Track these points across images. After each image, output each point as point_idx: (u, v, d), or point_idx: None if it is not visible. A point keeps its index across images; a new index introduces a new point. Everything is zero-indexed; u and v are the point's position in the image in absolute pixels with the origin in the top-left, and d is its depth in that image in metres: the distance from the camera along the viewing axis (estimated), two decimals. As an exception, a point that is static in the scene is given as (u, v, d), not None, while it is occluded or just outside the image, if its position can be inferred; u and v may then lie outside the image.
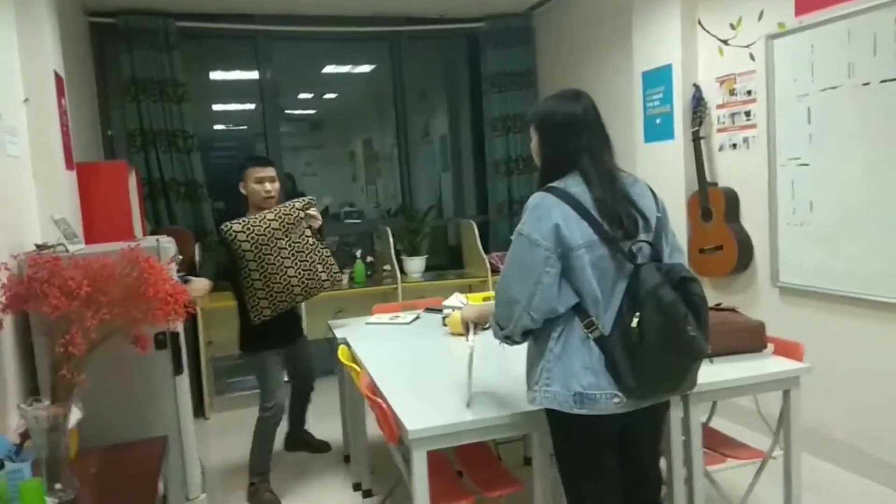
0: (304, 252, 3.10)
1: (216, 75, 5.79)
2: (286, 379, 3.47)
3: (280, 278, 3.02)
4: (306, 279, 3.09)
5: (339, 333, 3.13)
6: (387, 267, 5.03)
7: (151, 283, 1.90)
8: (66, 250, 2.26)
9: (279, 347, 3.25)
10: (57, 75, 2.91)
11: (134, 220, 3.49)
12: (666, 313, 1.62)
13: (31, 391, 2.24)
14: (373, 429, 2.59)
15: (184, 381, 2.44)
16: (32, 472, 1.75)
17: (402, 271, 5.02)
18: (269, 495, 3.14)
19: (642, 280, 1.66)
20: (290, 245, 3.06)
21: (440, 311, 3.34)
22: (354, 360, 2.73)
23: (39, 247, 2.32)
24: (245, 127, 6.21)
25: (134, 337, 2.01)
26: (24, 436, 1.83)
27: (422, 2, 4.97)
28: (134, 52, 4.48)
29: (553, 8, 5.17)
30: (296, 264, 3.06)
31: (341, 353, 2.78)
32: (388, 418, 2.03)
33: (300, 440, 3.75)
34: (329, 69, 6.38)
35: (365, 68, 6.47)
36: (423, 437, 1.88)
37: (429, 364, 2.65)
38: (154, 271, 1.92)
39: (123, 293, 1.90)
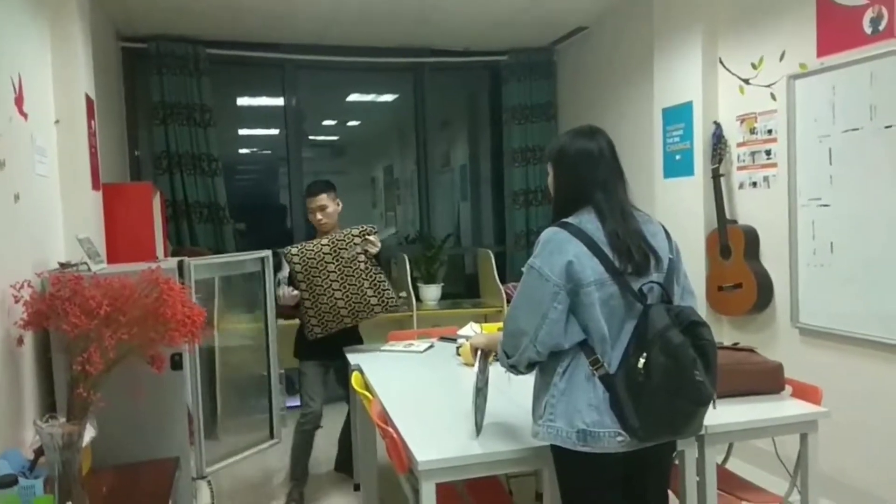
0: (353, 276, 3.22)
1: (243, 101, 5.92)
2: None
3: (327, 300, 3.21)
4: (354, 303, 3.22)
5: (352, 359, 3.13)
6: (403, 294, 5.04)
7: (170, 304, 1.93)
8: (89, 269, 2.30)
9: (323, 360, 3.41)
10: (88, 98, 2.99)
11: (156, 240, 3.55)
12: (674, 356, 1.61)
13: (48, 407, 2.27)
14: (383, 457, 2.58)
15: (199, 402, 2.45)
16: (45, 488, 1.76)
17: (418, 298, 5.03)
18: None
19: (651, 321, 1.65)
20: (339, 269, 3.21)
21: (454, 340, 3.34)
22: (367, 387, 2.73)
23: (63, 265, 2.37)
24: (269, 151, 6.32)
25: (150, 357, 2.04)
26: (39, 452, 1.84)
27: (447, 35, 5.05)
28: (164, 76, 4.60)
29: (575, 43, 5.23)
30: (344, 287, 3.21)
31: (354, 379, 2.78)
32: (399, 448, 2.02)
33: (349, 463, 3.65)
34: (353, 97, 6.49)
35: (388, 97, 6.58)
36: (433, 468, 1.86)
37: (441, 394, 2.64)
38: (173, 293, 1.95)
39: (142, 313, 1.93)
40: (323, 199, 3.38)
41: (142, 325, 1.92)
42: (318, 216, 3.38)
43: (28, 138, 2.36)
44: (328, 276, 3.20)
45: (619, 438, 1.69)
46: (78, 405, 1.85)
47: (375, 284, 3.24)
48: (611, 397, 1.68)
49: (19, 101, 2.27)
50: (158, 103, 4.61)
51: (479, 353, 2.14)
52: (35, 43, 2.59)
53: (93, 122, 3.07)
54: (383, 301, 3.26)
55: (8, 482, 1.70)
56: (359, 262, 3.23)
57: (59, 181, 2.77)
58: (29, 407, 2.17)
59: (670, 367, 1.60)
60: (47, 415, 1.84)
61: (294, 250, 3.24)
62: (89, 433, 1.96)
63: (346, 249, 3.23)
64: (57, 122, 2.77)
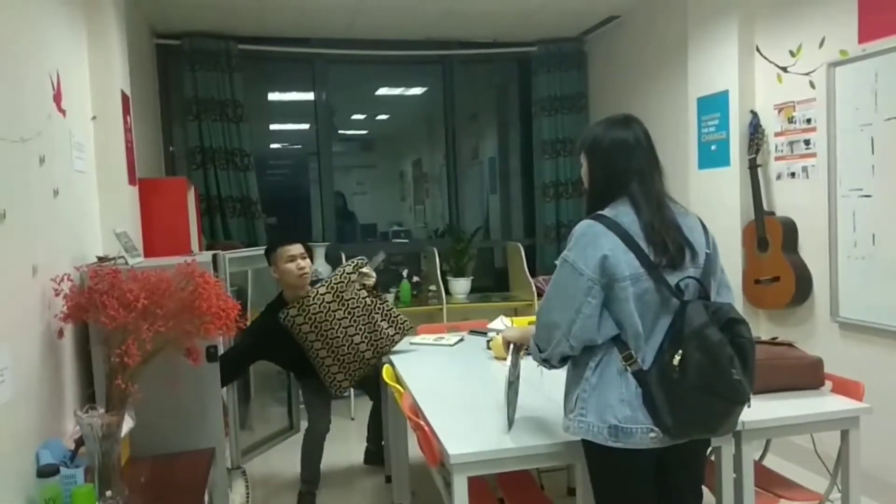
0: (364, 315, 3.14)
1: (274, 96, 5.97)
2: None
3: (348, 348, 3.10)
4: (374, 339, 3.14)
5: (383, 353, 3.15)
6: (432, 287, 5.05)
7: (205, 297, 1.96)
8: (126, 263, 2.34)
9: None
10: (123, 94, 3.04)
11: (191, 234, 3.60)
12: (711, 354, 1.57)
13: (88, 398, 2.32)
14: (415, 450, 2.58)
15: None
16: (85, 478, 1.80)
17: (448, 292, 5.02)
18: None
19: (688, 318, 1.61)
20: (348, 313, 3.10)
21: (485, 333, 3.33)
22: (398, 379, 2.73)
23: (101, 259, 2.42)
24: (299, 146, 6.37)
25: (186, 350, 2.07)
26: (79, 442, 1.89)
27: (475, 26, 5.02)
28: (197, 72, 4.66)
29: (606, 32, 5.16)
30: (360, 329, 3.12)
31: (385, 372, 2.79)
32: (430, 441, 2.02)
33: (378, 455, 3.68)
34: (382, 91, 6.50)
35: (417, 90, 6.58)
36: (465, 462, 1.86)
37: (472, 387, 2.63)
38: (209, 286, 1.98)
39: (178, 306, 1.96)
40: (300, 247, 3.24)
41: (178, 318, 1.95)
42: (301, 263, 3.19)
43: (66, 135, 2.41)
44: (339, 322, 3.08)
45: (652, 435, 1.66)
46: (116, 396, 1.89)
47: (386, 314, 3.21)
48: (643, 393, 1.66)
49: (58, 98, 2.32)
50: (192, 99, 4.67)
51: (511, 346, 2.12)
52: (72, 41, 2.63)
53: (129, 118, 3.12)
54: (399, 328, 3.22)
55: (50, 471, 1.74)
56: (362, 297, 3.16)
57: (97, 176, 2.82)
58: (69, 398, 2.23)
59: (707, 365, 1.57)
60: (87, 406, 1.88)
61: (293, 311, 3.05)
62: (128, 424, 2.00)
63: (347, 290, 3.13)
64: (94, 118, 2.82)
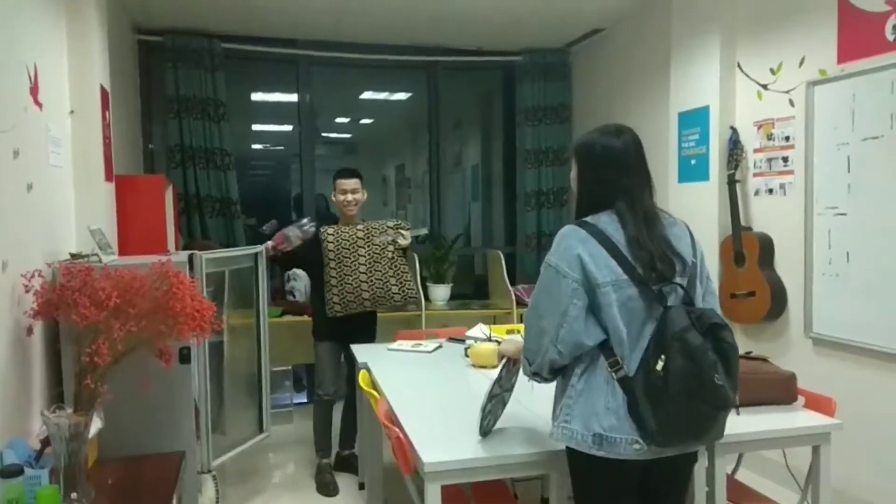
0: (380, 264, 3.40)
1: (257, 96, 5.93)
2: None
3: (352, 281, 3.36)
4: (376, 288, 3.38)
5: (360, 357, 3.12)
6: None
7: (179, 297, 1.92)
8: (100, 260, 2.30)
9: (338, 342, 3.52)
10: (103, 89, 3.00)
11: (168, 233, 3.55)
12: (692, 358, 1.57)
13: (56, 398, 2.27)
14: (389, 457, 2.56)
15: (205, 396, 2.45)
16: (50, 479, 1.76)
17: (427, 298, 5.01)
18: (328, 477, 3.49)
19: (670, 322, 1.62)
20: (368, 255, 3.39)
21: (463, 341, 3.32)
22: (374, 385, 2.71)
23: (74, 256, 2.37)
24: (282, 147, 6.33)
25: (159, 350, 2.03)
26: (45, 442, 1.84)
27: (461, 34, 5.03)
28: (179, 70, 4.60)
29: (591, 45, 5.20)
30: (370, 272, 3.38)
31: (362, 378, 2.77)
32: (405, 448, 2.00)
33: (348, 462, 3.65)
34: (366, 95, 6.49)
35: (401, 96, 6.57)
36: (439, 470, 1.85)
37: (448, 395, 2.62)
38: (183, 286, 1.94)
39: (151, 306, 1.93)
40: (356, 183, 3.54)
41: (151, 318, 1.92)
42: (350, 197, 3.50)
43: (43, 128, 2.36)
44: (357, 258, 3.37)
45: (636, 446, 1.65)
46: (85, 396, 1.84)
47: (399, 275, 3.42)
48: (629, 400, 1.65)
49: (34, 90, 2.27)
50: (173, 97, 4.61)
51: (504, 360, 2.12)
52: (51, 33, 2.59)
53: (107, 113, 3.07)
54: (404, 291, 3.43)
55: (14, 472, 1.69)
56: (388, 251, 3.41)
57: (73, 172, 2.77)
58: (36, 397, 2.18)
59: (689, 369, 1.57)
60: (55, 405, 1.84)
61: (330, 230, 3.42)
62: (96, 424, 1.95)
63: (379, 237, 3.41)
64: (72, 112, 2.78)
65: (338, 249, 3.37)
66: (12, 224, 2.00)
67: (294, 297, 4.74)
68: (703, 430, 1.69)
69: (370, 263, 3.38)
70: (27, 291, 1.96)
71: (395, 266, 3.42)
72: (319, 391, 3.56)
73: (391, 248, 3.42)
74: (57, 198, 2.56)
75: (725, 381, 1.59)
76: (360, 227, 3.46)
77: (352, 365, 3.41)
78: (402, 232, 3.45)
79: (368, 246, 3.40)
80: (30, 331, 2.04)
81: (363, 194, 3.59)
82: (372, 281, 3.37)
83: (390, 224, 3.49)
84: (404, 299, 3.45)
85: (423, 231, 3.72)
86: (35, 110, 2.28)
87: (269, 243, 3.36)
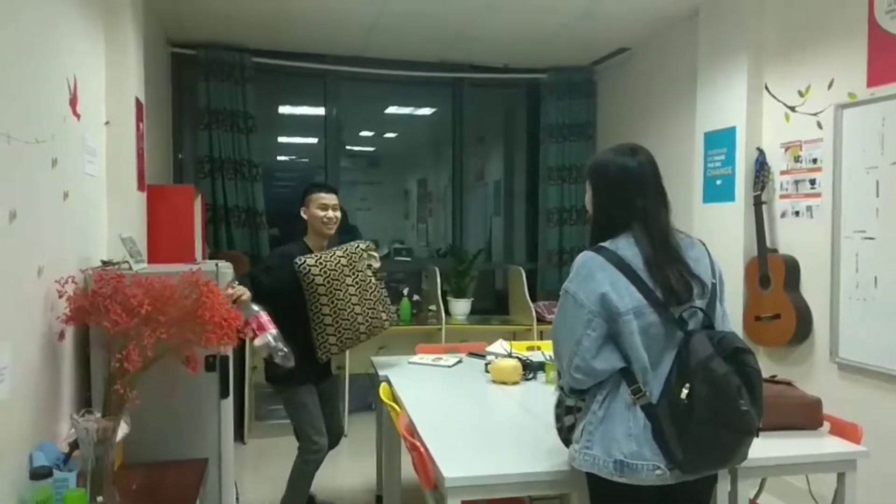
0: (367, 290, 3.10)
1: (284, 109, 6.02)
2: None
3: (348, 314, 3.01)
4: (370, 317, 3.09)
5: (381, 370, 3.13)
6: (432, 307, 5.04)
7: (208, 306, 1.96)
8: (130, 268, 2.34)
9: (314, 384, 3.11)
10: (138, 101, 3.07)
11: (196, 242, 3.61)
12: (718, 386, 1.56)
13: (84, 402, 2.31)
14: (407, 470, 2.57)
15: (228, 405, 2.47)
16: (77, 482, 1.79)
17: (447, 312, 5.02)
18: None
19: (693, 350, 1.60)
20: (355, 283, 3.05)
21: (483, 356, 3.32)
22: (394, 398, 2.72)
23: (105, 263, 2.42)
24: (307, 160, 6.40)
25: (186, 357, 2.06)
26: (73, 445, 1.88)
27: (487, 51, 5.07)
28: (210, 83, 4.70)
29: (616, 63, 5.21)
30: (361, 302, 3.06)
31: (382, 390, 2.78)
32: (425, 462, 2.01)
33: (309, 498, 3.29)
34: (391, 110, 6.56)
35: (426, 111, 6.63)
36: (460, 486, 1.85)
37: (469, 410, 2.62)
38: (212, 295, 1.98)
39: (181, 314, 1.96)
40: (335, 199, 3.17)
41: (180, 326, 1.95)
42: (330, 214, 3.11)
43: (80, 138, 2.43)
44: (347, 289, 3.01)
45: (658, 472, 1.64)
46: (114, 401, 1.88)
47: (383, 299, 3.18)
48: (653, 428, 1.64)
49: (73, 102, 2.34)
50: (204, 109, 4.70)
51: None
52: (90, 47, 2.66)
53: (141, 124, 3.14)
54: (390, 317, 3.19)
55: (43, 474, 1.73)
56: (368, 275, 3.13)
57: (106, 181, 2.84)
58: (66, 401, 2.22)
59: (715, 397, 1.56)
60: (83, 409, 1.87)
61: (310, 261, 2.96)
62: (122, 430, 1.98)
63: (359, 262, 3.10)
64: (107, 123, 2.85)
65: (328, 283, 2.96)
66: (49, 231, 2.06)
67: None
68: (728, 456, 1.68)
69: (360, 293, 3.05)
70: (60, 297, 2.01)
71: (378, 291, 3.15)
72: (315, 444, 3.04)
73: (369, 271, 3.14)
74: (91, 206, 2.62)
75: (750, 406, 1.58)
76: (338, 252, 3.07)
77: (330, 404, 3.24)
78: (373, 254, 3.19)
79: (354, 273, 3.05)
80: (61, 335, 2.09)
81: (339, 213, 3.21)
82: (365, 311, 3.06)
83: (362, 246, 3.17)
84: (391, 325, 3.19)
85: (385, 249, 3.37)
86: (73, 121, 2.34)
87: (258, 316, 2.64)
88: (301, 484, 3.09)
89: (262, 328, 2.59)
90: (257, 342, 2.59)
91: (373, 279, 3.15)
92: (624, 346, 1.67)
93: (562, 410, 1.91)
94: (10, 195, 1.73)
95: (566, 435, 1.86)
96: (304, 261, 2.97)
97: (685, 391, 1.59)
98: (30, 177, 1.90)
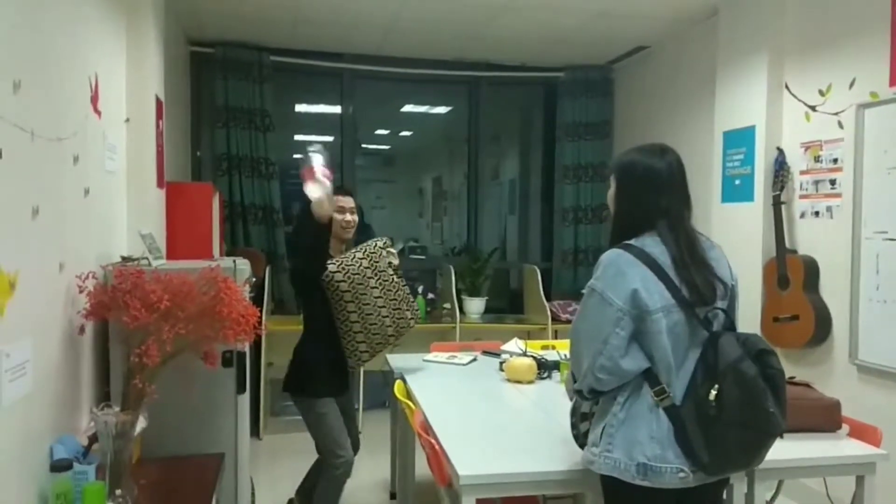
0: (391, 291, 2.97)
1: (301, 107, 6.04)
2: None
3: (375, 318, 2.90)
4: (397, 318, 2.96)
5: (396, 368, 3.15)
6: (447, 305, 5.05)
7: (227, 302, 1.97)
8: (150, 264, 2.37)
9: (337, 395, 2.94)
10: (158, 99, 3.10)
11: (213, 239, 3.64)
12: (748, 388, 1.55)
13: (103, 396, 2.34)
14: (421, 467, 2.57)
15: (245, 400, 2.49)
16: (97, 475, 1.82)
17: (462, 311, 5.02)
18: None
19: (722, 351, 1.59)
20: (379, 284, 2.92)
21: (498, 355, 3.32)
22: (409, 396, 2.73)
23: (125, 259, 2.45)
24: (323, 158, 6.43)
25: (204, 353, 2.08)
26: (93, 439, 1.90)
27: (504, 50, 5.07)
28: (229, 81, 4.74)
29: (634, 62, 5.18)
30: (387, 304, 2.94)
31: (397, 388, 2.79)
32: (440, 460, 2.01)
33: (309, 493, 3.08)
34: (407, 108, 6.56)
35: (441, 109, 6.63)
36: (475, 483, 1.85)
37: (484, 408, 2.63)
38: (230, 292, 1.99)
39: (199, 310, 1.98)
40: (352, 201, 3.03)
41: (199, 322, 1.97)
42: (349, 217, 2.97)
43: (100, 136, 2.46)
44: (371, 292, 2.88)
45: (682, 475, 1.62)
46: (133, 395, 1.90)
47: (406, 297, 3.03)
48: (677, 430, 1.62)
49: (94, 99, 2.37)
50: (222, 107, 4.74)
51: None
52: (111, 45, 2.70)
53: (161, 122, 3.17)
54: (414, 315, 3.05)
55: (63, 466, 1.76)
56: (390, 273, 2.98)
57: (126, 178, 2.87)
58: (85, 394, 2.25)
59: (744, 399, 1.55)
60: (103, 403, 1.90)
61: (333, 268, 2.81)
62: (140, 423, 2.01)
63: (380, 262, 2.96)
64: (127, 120, 2.88)
65: (353, 288, 2.83)
66: (70, 227, 2.08)
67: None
68: (752, 457, 1.66)
69: (384, 294, 2.92)
70: (81, 292, 2.04)
71: (401, 290, 2.99)
72: (339, 458, 2.84)
73: (390, 269, 2.99)
74: (111, 203, 2.65)
75: (776, 407, 1.57)
76: (358, 254, 2.93)
77: (349, 416, 3.07)
78: (391, 250, 3.02)
79: (376, 275, 2.91)
80: (81, 330, 2.12)
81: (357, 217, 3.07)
82: (391, 313, 2.93)
83: (380, 244, 3.01)
84: (416, 322, 3.04)
85: (400, 245, 3.18)
86: (94, 118, 2.37)
87: (321, 173, 2.73)
88: (326, 497, 2.92)
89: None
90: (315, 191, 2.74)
91: (395, 277, 3.02)
92: (649, 345, 1.65)
93: (577, 418, 1.90)
94: (33, 191, 1.76)
95: (583, 440, 1.85)
96: (330, 275, 2.85)
97: (713, 393, 1.57)
98: (52, 173, 1.92)
